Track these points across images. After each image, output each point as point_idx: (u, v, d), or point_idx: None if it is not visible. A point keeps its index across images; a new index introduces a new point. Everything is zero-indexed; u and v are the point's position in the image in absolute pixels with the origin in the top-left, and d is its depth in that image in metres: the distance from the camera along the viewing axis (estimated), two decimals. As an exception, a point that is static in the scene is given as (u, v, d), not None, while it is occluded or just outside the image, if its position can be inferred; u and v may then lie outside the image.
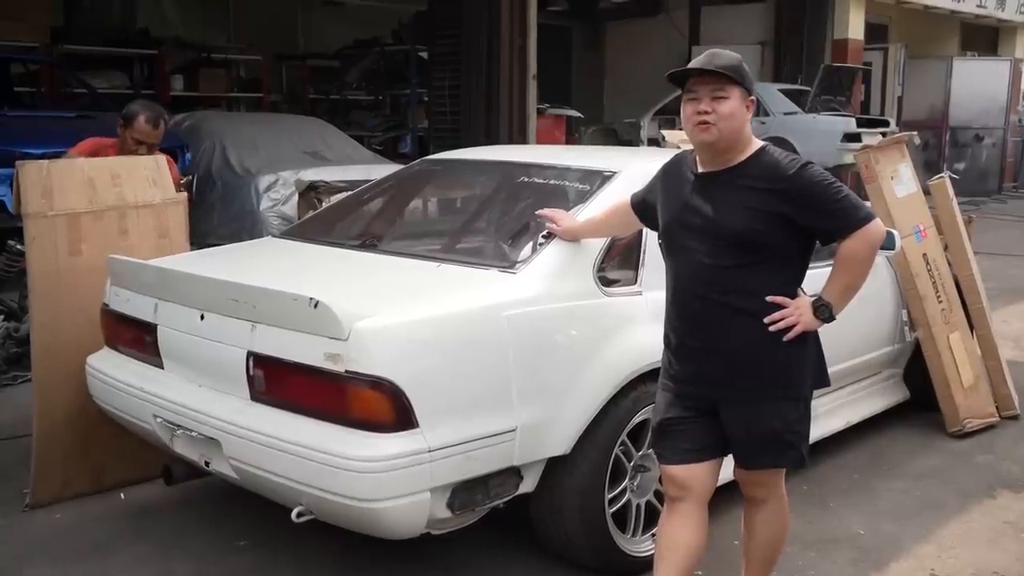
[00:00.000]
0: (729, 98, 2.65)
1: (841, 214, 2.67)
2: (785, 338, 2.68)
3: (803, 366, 2.78)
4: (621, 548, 3.38)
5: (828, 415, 4.54)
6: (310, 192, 6.83)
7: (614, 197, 3.44)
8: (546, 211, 3.45)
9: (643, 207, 3.10)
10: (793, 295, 2.74)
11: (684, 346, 2.81)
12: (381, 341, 2.82)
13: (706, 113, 2.64)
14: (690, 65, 2.71)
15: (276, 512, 3.18)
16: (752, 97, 2.70)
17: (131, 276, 3.58)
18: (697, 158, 2.81)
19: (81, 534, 3.75)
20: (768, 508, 2.98)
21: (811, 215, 2.66)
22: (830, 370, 4.37)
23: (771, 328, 2.67)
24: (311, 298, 2.80)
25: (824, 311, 2.71)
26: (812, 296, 2.73)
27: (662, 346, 2.92)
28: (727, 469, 3.79)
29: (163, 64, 11.52)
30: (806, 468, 3.01)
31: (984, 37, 19.60)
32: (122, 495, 4.11)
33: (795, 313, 2.69)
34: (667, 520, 2.90)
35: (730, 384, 2.74)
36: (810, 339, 2.77)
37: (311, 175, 7.26)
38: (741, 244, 2.67)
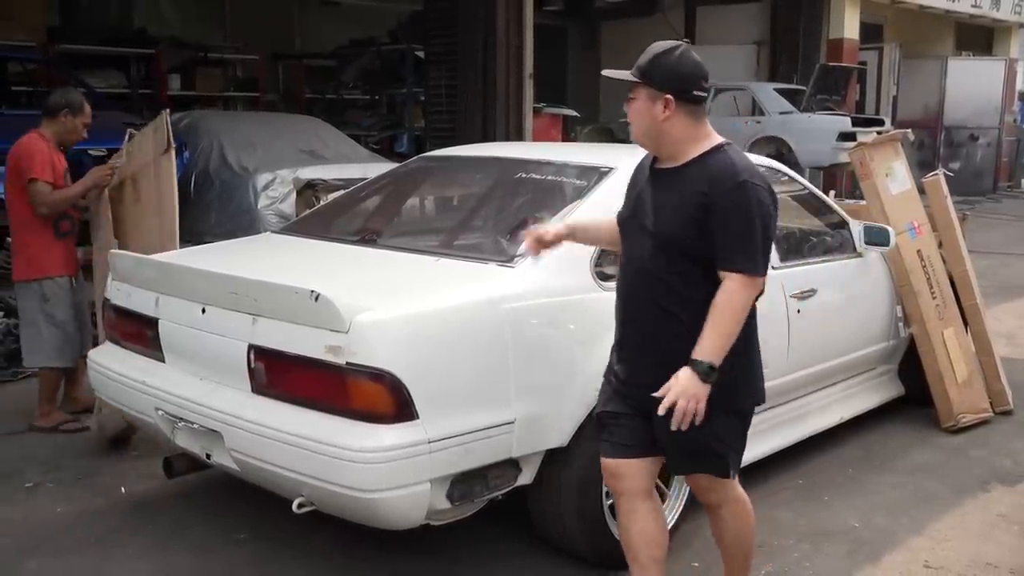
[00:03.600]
0: (636, 99, 2.65)
1: (732, 247, 2.54)
2: (698, 422, 2.53)
3: (735, 379, 2.65)
4: (618, 539, 3.40)
5: (822, 411, 4.59)
6: (308, 190, 6.86)
7: (611, 192, 3.46)
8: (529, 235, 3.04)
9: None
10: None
11: (622, 345, 2.79)
12: (381, 333, 2.85)
13: (627, 114, 2.68)
14: None
15: (276, 505, 3.22)
16: (668, 96, 2.58)
17: (132, 271, 3.61)
18: None
19: (82, 527, 3.78)
20: (726, 512, 2.89)
21: (715, 228, 2.54)
22: (825, 365, 4.47)
23: (674, 427, 2.53)
24: (312, 291, 2.83)
25: (706, 371, 2.52)
26: (688, 365, 2.54)
27: None
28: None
29: (160, 63, 11.54)
30: (730, 478, 2.83)
31: (979, 37, 19.66)
32: (123, 489, 4.14)
33: (685, 396, 2.51)
34: (619, 518, 2.91)
35: (658, 389, 2.60)
36: (742, 351, 2.65)
37: (309, 173, 7.29)
38: (674, 248, 2.61)
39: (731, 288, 2.54)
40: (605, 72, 2.84)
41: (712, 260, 2.58)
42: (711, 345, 2.54)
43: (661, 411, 2.53)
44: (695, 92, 2.62)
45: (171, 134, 4.56)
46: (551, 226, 3.05)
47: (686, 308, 2.60)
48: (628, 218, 2.78)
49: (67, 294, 4.77)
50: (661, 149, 2.68)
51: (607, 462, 2.85)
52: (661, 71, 2.60)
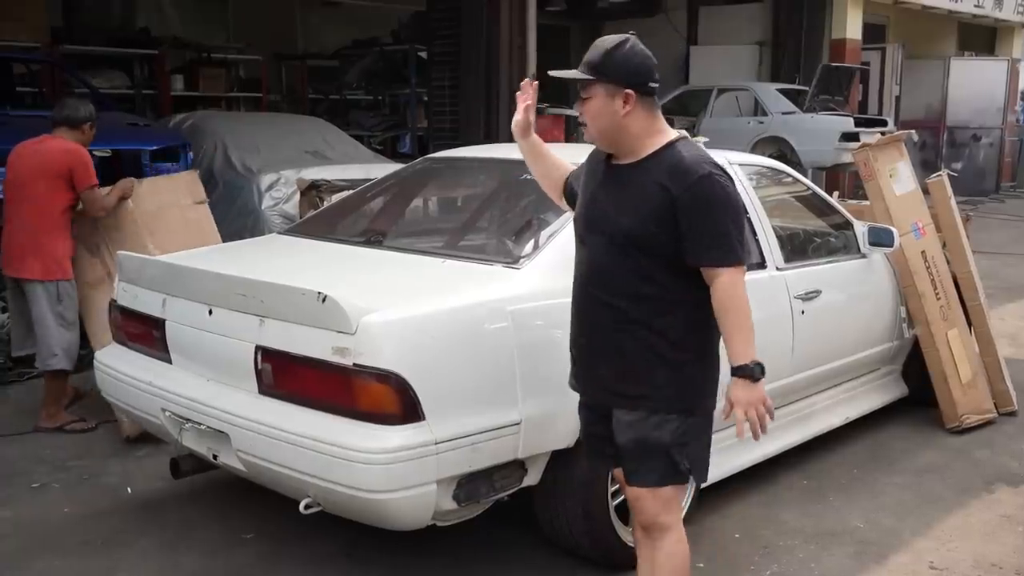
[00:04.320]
0: (591, 98, 2.55)
1: (710, 243, 2.48)
2: (767, 428, 2.51)
3: (694, 379, 2.60)
4: (624, 540, 3.41)
5: (827, 411, 4.59)
6: (312, 191, 6.83)
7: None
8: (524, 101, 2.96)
9: (571, 192, 2.91)
10: (701, 321, 2.55)
11: (578, 345, 2.72)
12: (388, 335, 2.85)
13: (581, 115, 2.59)
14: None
15: (282, 505, 3.22)
16: (628, 90, 2.51)
17: (139, 272, 3.62)
18: None
19: (88, 528, 3.79)
20: (670, 541, 2.69)
21: (685, 224, 2.47)
22: (829, 366, 4.48)
23: (757, 439, 2.53)
24: (319, 292, 2.84)
25: (753, 372, 2.48)
26: (732, 374, 2.51)
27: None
28: (728, 464, 3.84)
29: (163, 64, 11.53)
30: (685, 483, 2.72)
31: (982, 37, 19.65)
32: (129, 489, 4.15)
33: (750, 406, 2.47)
34: (634, 526, 2.86)
35: (618, 391, 2.61)
36: (701, 351, 2.60)
37: (313, 174, 7.26)
38: (633, 244, 2.53)
39: (727, 283, 2.49)
40: (554, 73, 2.71)
41: (673, 257, 2.51)
42: (743, 345, 2.49)
43: (740, 434, 2.47)
44: (650, 84, 2.56)
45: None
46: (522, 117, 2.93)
47: (645, 307, 2.54)
48: (583, 215, 2.69)
49: (75, 295, 4.84)
50: (620, 146, 2.60)
51: (616, 472, 2.85)
52: (617, 66, 2.52)
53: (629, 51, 2.54)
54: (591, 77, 2.54)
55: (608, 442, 2.71)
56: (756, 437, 2.51)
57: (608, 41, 2.57)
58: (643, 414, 2.56)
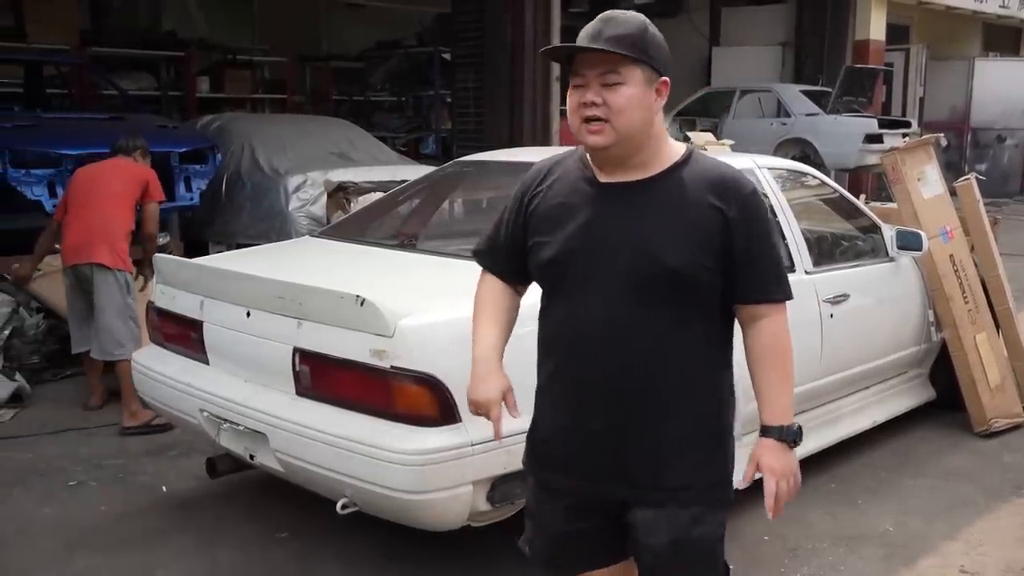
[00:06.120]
0: (624, 83, 1.94)
1: (766, 273, 2.03)
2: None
3: (730, 454, 2.14)
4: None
5: (855, 414, 4.60)
6: (338, 192, 6.91)
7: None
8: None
9: (510, 262, 2.29)
10: (729, 378, 2.11)
11: (581, 427, 2.07)
12: (426, 337, 2.90)
13: (594, 106, 1.94)
14: (578, 39, 1.97)
15: (317, 504, 3.27)
16: (664, 78, 2.00)
17: (177, 274, 3.68)
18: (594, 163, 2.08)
19: (127, 526, 3.85)
20: None
21: (741, 253, 1.99)
22: (857, 369, 4.48)
23: (774, 517, 2.04)
24: (357, 295, 2.88)
25: (792, 436, 2.04)
26: (764, 435, 2.06)
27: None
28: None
29: (189, 66, 11.64)
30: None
31: (1007, 38, 19.52)
32: (164, 488, 4.21)
33: (786, 477, 2.03)
34: None
35: (653, 483, 2.04)
36: (731, 419, 2.13)
37: (339, 175, 7.33)
38: (674, 284, 1.96)
39: (778, 324, 2.05)
40: (581, 46, 1.95)
41: (715, 297, 2.02)
42: (786, 402, 2.05)
43: (770, 509, 2.02)
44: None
45: None
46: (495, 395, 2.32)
47: (685, 369, 2.02)
48: (573, 254, 2.03)
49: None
50: (638, 152, 2.01)
51: None
52: (657, 47, 1.98)
53: (656, 32, 2.02)
54: (632, 55, 1.94)
55: (596, 543, 2.16)
56: (775, 513, 2.03)
57: (631, 16, 1.99)
58: (686, 509, 2.04)
